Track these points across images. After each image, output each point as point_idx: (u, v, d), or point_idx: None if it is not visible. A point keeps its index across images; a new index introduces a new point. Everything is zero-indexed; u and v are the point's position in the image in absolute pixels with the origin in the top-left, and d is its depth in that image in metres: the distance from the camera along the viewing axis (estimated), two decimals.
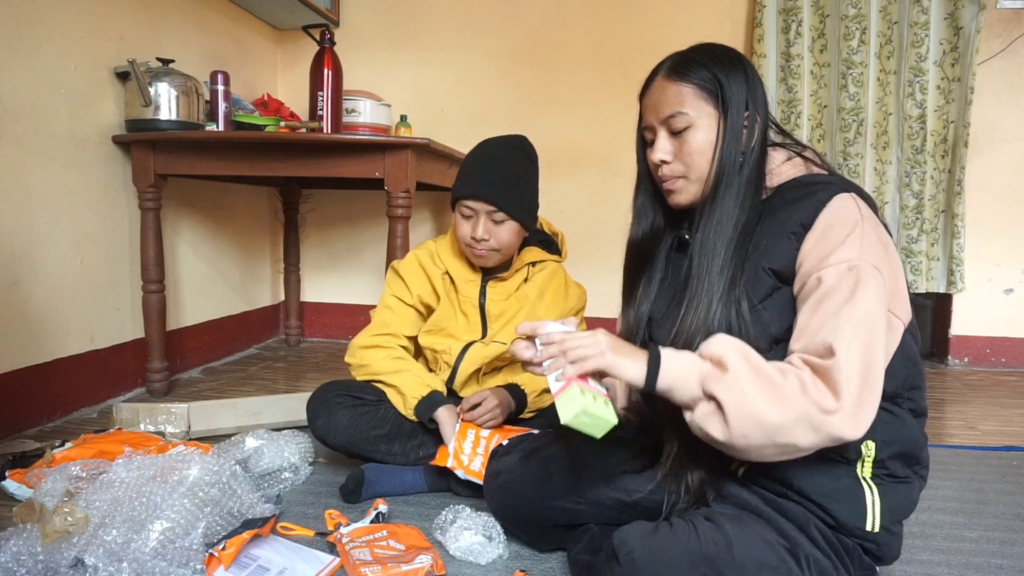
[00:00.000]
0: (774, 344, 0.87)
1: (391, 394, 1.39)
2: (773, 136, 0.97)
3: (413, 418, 1.37)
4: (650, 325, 1.03)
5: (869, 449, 0.87)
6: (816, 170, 0.95)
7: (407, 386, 1.37)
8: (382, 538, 1.13)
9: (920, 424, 0.92)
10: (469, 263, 1.46)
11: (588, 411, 0.80)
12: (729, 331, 0.86)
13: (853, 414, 0.75)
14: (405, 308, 1.46)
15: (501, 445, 1.23)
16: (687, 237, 0.98)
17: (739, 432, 0.77)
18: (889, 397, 0.86)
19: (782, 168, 0.94)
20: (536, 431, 1.28)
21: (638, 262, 1.06)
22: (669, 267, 1.04)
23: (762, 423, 0.76)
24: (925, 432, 0.92)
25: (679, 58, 0.95)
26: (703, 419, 0.80)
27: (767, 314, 0.88)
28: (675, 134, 0.93)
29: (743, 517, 0.87)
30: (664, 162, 0.95)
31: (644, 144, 1.01)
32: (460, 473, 1.29)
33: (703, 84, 0.91)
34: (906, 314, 0.85)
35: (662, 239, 1.05)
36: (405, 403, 1.36)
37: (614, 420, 0.83)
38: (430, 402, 1.35)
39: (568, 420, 0.81)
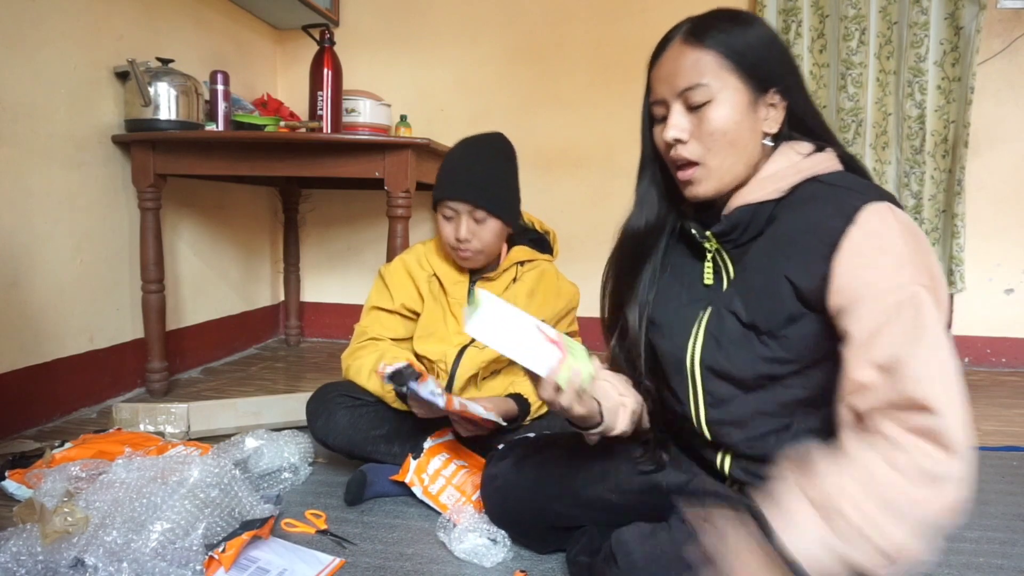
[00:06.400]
0: (804, 367, 0.79)
1: (373, 385, 1.34)
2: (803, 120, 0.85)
3: (396, 403, 1.30)
4: (650, 329, 0.94)
5: None
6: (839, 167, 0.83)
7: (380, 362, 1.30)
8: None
9: None
10: (457, 264, 1.46)
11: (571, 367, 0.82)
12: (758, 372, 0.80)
13: (966, 459, 0.65)
14: (387, 315, 1.44)
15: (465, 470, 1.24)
16: (693, 231, 0.87)
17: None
18: None
19: (803, 163, 0.82)
20: (532, 435, 1.27)
21: (635, 256, 0.94)
22: (667, 261, 0.94)
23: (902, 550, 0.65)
24: None
25: (699, 20, 0.82)
26: None
27: (789, 343, 0.78)
28: (693, 109, 0.81)
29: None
30: (679, 141, 0.82)
31: (652, 121, 0.88)
32: (417, 492, 1.28)
33: (728, 51, 0.79)
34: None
35: (663, 233, 0.94)
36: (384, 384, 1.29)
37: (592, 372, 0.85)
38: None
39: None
